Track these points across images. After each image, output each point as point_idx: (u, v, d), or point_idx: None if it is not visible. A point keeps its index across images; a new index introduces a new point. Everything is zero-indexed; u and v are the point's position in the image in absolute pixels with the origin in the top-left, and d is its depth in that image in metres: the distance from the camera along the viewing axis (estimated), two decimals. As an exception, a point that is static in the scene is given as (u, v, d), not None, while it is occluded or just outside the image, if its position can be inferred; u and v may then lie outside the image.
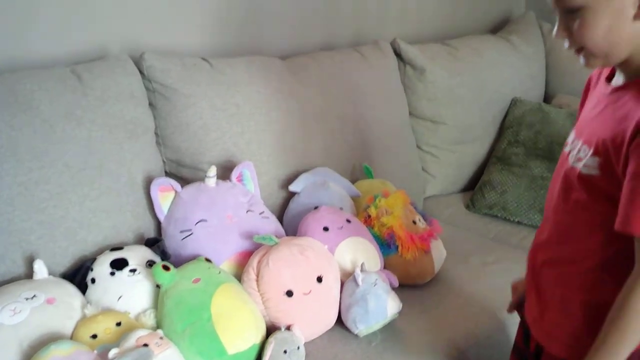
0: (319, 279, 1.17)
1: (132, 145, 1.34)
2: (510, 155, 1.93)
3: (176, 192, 1.32)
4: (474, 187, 1.99)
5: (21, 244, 1.14)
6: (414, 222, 1.40)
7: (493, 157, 1.99)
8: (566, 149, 0.94)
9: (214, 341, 1.02)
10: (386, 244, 1.36)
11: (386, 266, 1.37)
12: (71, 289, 1.10)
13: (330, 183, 1.49)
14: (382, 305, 1.18)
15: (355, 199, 1.53)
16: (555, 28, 0.86)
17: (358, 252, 1.29)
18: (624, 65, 0.86)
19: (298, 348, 1.09)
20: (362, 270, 1.22)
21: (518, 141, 1.95)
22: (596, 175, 0.85)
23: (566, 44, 0.86)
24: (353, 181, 1.61)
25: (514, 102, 2.06)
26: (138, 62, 1.43)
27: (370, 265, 1.29)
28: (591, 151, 0.86)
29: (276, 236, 1.23)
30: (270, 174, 1.50)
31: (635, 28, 0.81)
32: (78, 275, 1.14)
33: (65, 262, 1.18)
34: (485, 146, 2.05)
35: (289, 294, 1.14)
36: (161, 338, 1.00)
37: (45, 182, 1.19)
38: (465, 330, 1.27)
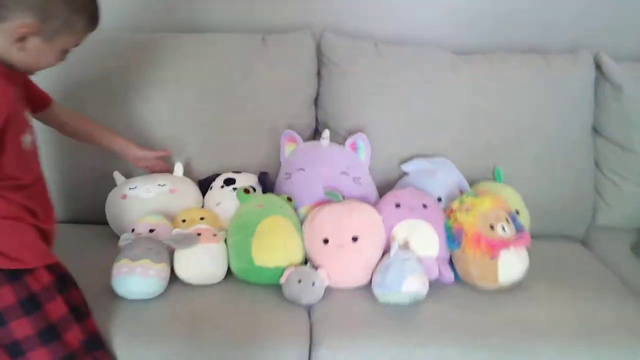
0: (354, 239, 1.35)
1: (289, 100, 1.70)
2: None
3: (297, 144, 1.63)
4: (655, 229, 1.74)
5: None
6: (492, 227, 1.41)
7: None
8: None
9: (247, 251, 1.33)
10: (452, 238, 1.42)
11: (452, 260, 1.43)
12: (192, 188, 1.54)
13: (440, 173, 1.58)
14: (398, 279, 1.28)
15: (465, 194, 1.58)
16: None
17: (416, 233, 1.40)
18: None
19: (313, 284, 1.31)
20: (402, 248, 1.34)
21: None
22: None
23: None
24: (480, 180, 1.65)
25: None
26: (318, 39, 1.76)
27: (422, 248, 1.38)
28: None
29: (346, 197, 1.44)
30: (392, 151, 1.67)
31: None
32: (205, 183, 1.57)
33: (208, 173, 1.62)
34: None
35: (325, 241, 1.36)
36: (215, 235, 1.35)
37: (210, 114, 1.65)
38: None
